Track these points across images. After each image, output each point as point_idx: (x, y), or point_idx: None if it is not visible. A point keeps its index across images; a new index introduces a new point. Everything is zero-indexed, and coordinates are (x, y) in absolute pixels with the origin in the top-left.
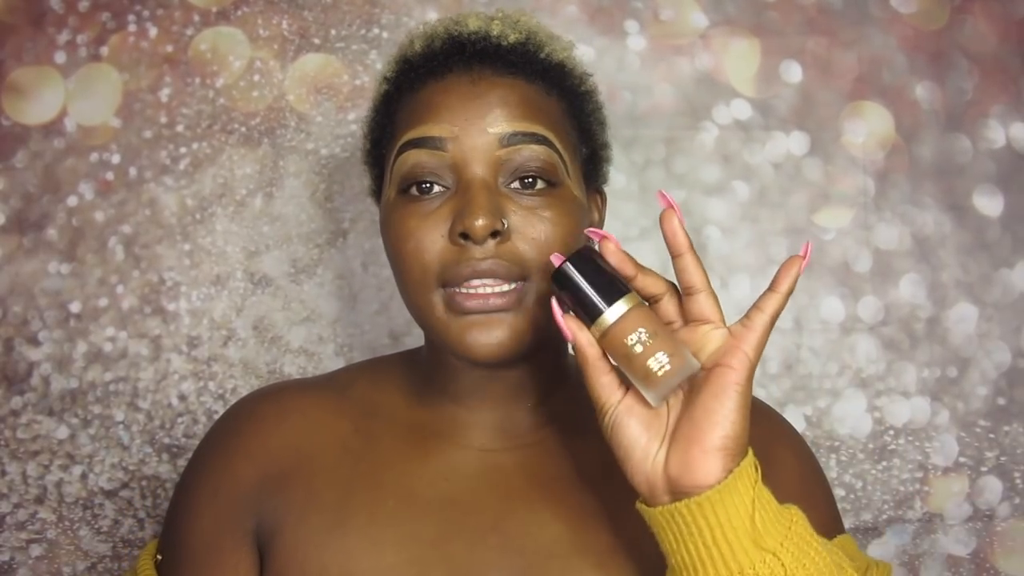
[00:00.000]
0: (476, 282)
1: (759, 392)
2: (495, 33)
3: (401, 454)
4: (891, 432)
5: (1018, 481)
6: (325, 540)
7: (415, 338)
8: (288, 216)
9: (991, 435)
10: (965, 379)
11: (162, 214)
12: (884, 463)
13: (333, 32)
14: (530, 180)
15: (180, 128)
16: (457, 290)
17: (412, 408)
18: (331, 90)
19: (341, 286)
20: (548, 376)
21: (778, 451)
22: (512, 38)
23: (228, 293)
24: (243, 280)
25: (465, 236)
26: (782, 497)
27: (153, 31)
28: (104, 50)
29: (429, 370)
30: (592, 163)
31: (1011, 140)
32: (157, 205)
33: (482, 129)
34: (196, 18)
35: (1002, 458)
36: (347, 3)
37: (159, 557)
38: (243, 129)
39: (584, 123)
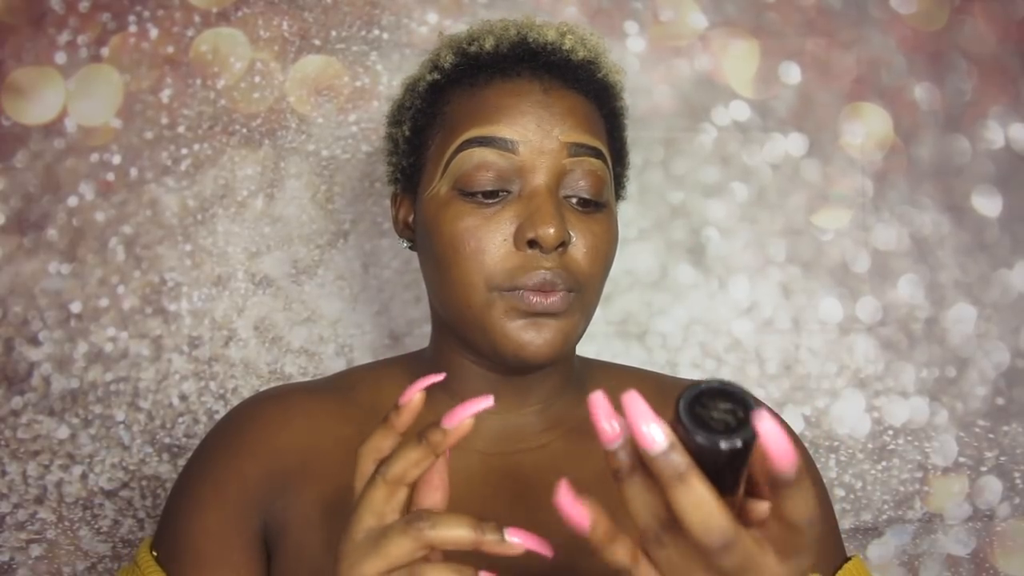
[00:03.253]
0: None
1: (759, 392)
2: (567, 47)
3: None
4: (890, 432)
5: (1018, 481)
6: (330, 540)
7: (415, 338)
8: (289, 217)
9: (990, 435)
10: (964, 379)
11: (163, 215)
12: (884, 463)
13: (333, 33)
14: (584, 191)
15: (181, 129)
16: (522, 293)
17: None
18: (332, 91)
19: (342, 287)
20: (555, 381)
21: None
22: (581, 54)
23: (229, 294)
24: (244, 281)
25: (532, 243)
26: None
27: (154, 32)
28: (105, 51)
29: (435, 372)
30: (618, 182)
31: (1010, 141)
32: (158, 206)
33: (554, 137)
34: (197, 19)
35: (1002, 458)
36: (347, 4)
37: (155, 553)
38: (244, 130)
39: (618, 142)
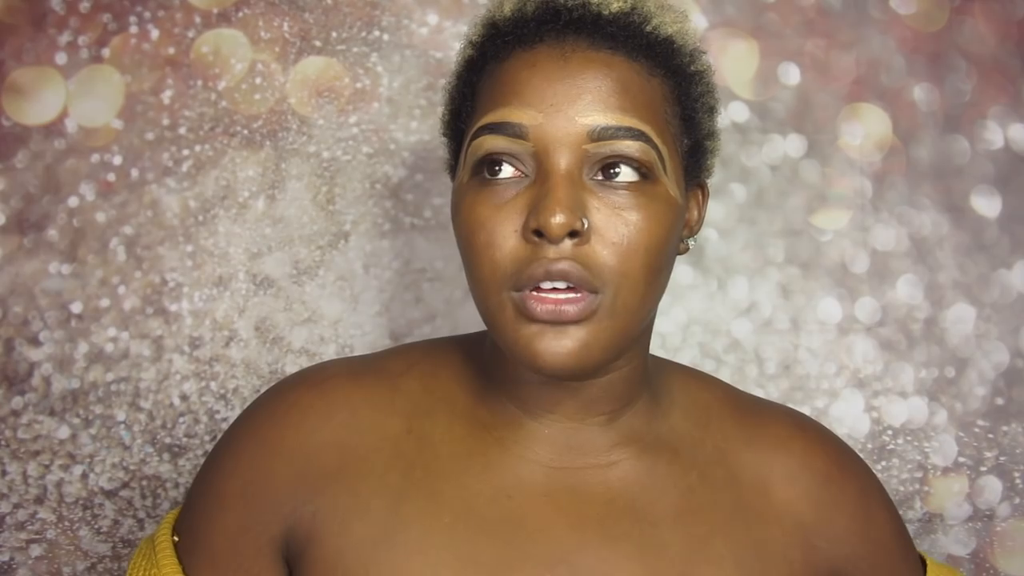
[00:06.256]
0: (547, 284)
1: (758, 392)
2: (595, 0)
3: (459, 463)
4: (889, 432)
5: (1018, 481)
6: (371, 553)
7: (415, 339)
8: (290, 218)
9: (990, 435)
10: (963, 379)
11: (164, 216)
12: (883, 463)
13: (334, 34)
14: (617, 171)
15: (182, 130)
16: (529, 293)
17: (472, 407)
18: (332, 93)
19: (343, 287)
20: (623, 389)
21: (875, 511)
22: (615, 7)
23: (230, 294)
24: (245, 281)
25: (539, 234)
26: (882, 557)
27: (155, 33)
28: (106, 51)
29: (493, 365)
30: (695, 155)
31: (1009, 141)
32: (159, 207)
33: (570, 118)
34: (197, 20)
35: (1001, 458)
36: (348, 5)
37: (176, 538)
38: (245, 132)
39: (689, 109)
